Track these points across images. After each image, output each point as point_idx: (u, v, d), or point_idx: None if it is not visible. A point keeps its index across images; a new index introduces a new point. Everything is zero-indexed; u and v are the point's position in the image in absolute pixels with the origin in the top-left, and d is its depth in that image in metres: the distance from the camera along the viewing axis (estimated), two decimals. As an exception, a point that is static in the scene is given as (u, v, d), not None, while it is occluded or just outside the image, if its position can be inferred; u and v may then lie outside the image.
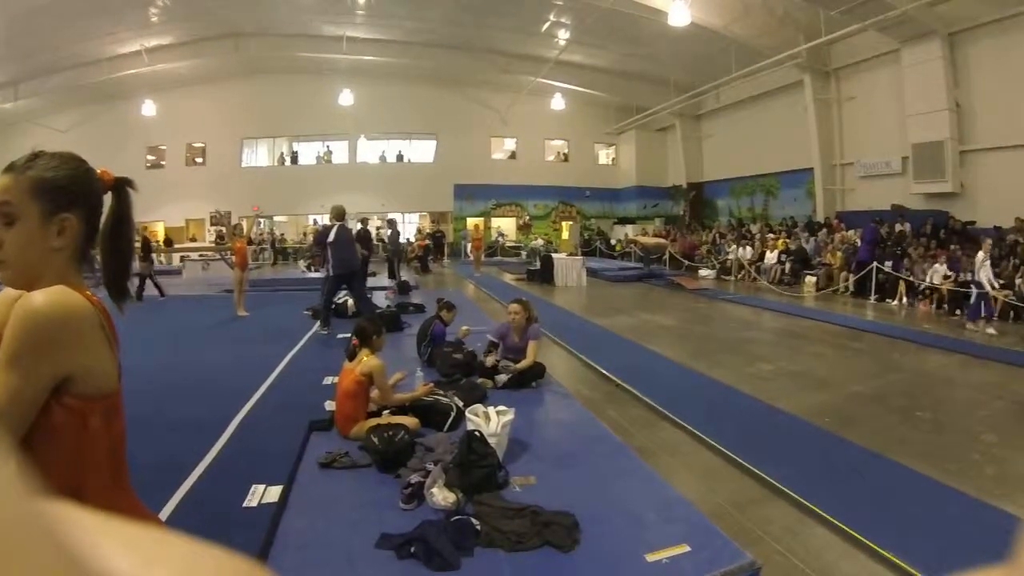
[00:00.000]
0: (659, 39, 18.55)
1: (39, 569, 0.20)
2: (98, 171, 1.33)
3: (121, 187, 1.39)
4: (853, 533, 3.17)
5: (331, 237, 8.51)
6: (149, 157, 26.07)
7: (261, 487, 3.39)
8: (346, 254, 8.59)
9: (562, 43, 21.10)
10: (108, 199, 1.37)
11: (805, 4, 14.79)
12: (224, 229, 21.62)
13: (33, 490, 0.22)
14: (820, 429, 4.92)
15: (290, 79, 24.67)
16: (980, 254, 10.13)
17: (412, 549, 2.78)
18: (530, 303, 6.01)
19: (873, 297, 13.57)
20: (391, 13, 19.57)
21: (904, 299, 13.02)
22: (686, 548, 2.83)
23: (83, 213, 1.24)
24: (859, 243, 15.13)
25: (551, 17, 19.43)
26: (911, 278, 13.00)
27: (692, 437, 4.71)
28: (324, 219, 25.90)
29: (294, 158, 26.91)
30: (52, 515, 0.22)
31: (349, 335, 4.99)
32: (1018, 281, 11.24)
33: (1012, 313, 11.12)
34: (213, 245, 22.03)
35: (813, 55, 17.66)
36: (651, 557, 2.78)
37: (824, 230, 17.64)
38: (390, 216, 20.54)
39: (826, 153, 19.00)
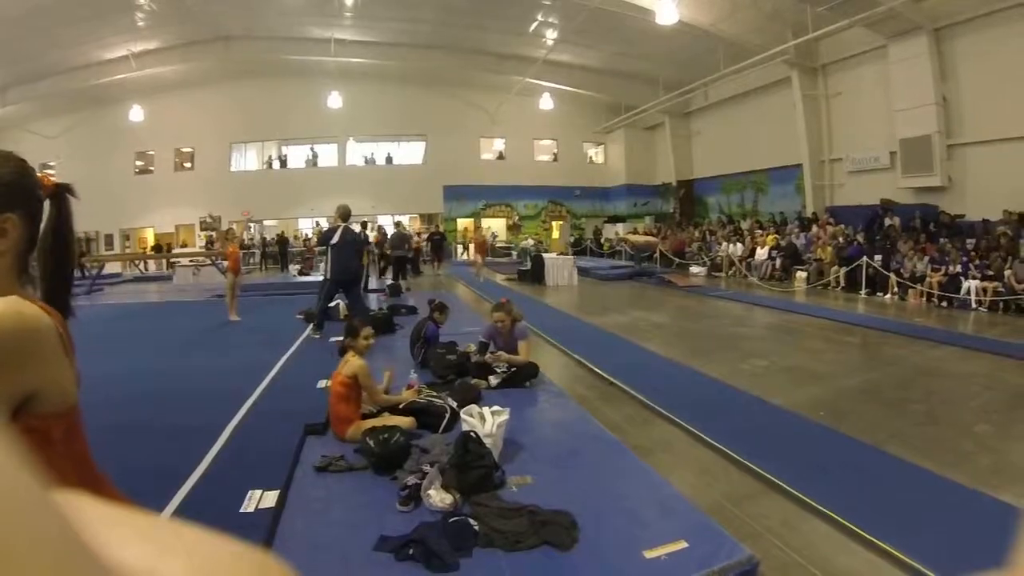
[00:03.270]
0: (647, 38, 18.63)
1: (53, 557, 0.20)
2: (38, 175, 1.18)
3: (61, 194, 1.22)
4: (850, 525, 3.19)
5: (335, 239, 8.31)
6: (138, 163, 25.97)
7: (258, 492, 3.38)
8: (348, 259, 8.44)
9: (550, 43, 21.16)
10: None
11: (793, 1, 14.86)
12: (215, 234, 21.50)
13: (43, 481, 0.22)
14: (814, 423, 4.94)
15: (278, 82, 24.60)
16: None
17: (411, 551, 2.78)
18: (511, 305, 6.03)
19: (864, 291, 13.64)
20: (379, 15, 19.54)
21: (895, 292, 13.13)
22: (684, 544, 2.84)
23: (24, 216, 1.10)
24: (852, 236, 15.27)
25: (539, 17, 19.48)
26: (902, 271, 13.11)
27: (687, 434, 4.71)
28: (309, 224, 26.05)
29: (283, 162, 26.81)
30: (65, 504, 0.22)
31: (341, 339, 5.00)
32: (1007, 273, 11.33)
33: (1001, 304, 11.24)
34: (204, 250, 21.93)
35: (801, 52, 17.74)
36: (649, 554, 2.78)
37: (814, 226, 17.74)
38: (396, 219, 20.52)
39: (815, 149, 19.12)
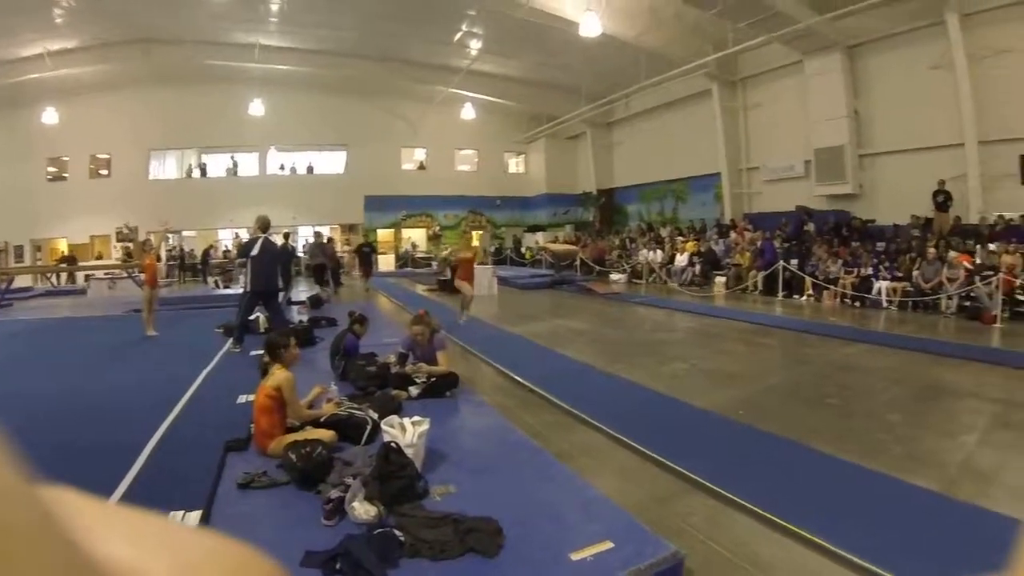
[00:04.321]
0: (570, 49, 18.79)
1: (39, 555, 0.19)
2: None
3: None
4: (773, 518, 3.29)
5: (255, 251, 8.11)
6: (51, 169, 24.49)
7: (180, 513, 3.26)
8: (268, 270, 8.25)
9: (474, 53, 21.21)
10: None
11: (714, 17, 15.41)
12: (132, 245, 20.49)
13: (29, 477, 0.21)
14: (734, 422, 5.09)
15: (200, 88, 23.73)
16: None
17: (337, 565, 2.74)
18: (428, 316, 6.04)
19: (781, 294, 14.19)
20: (305, 21, 19.13)
21: (811, 294, 13.73)
22: (610, 545, 2.87)
23: None
24: (767, 242, 15.86)
25: (463, 27, 19.47)
26: (816, 274, 13.76)
27: (609, 438, 4.76)
28: (229, 235, 25.17)
29: (203, 170, 25.83)
30: (51, 500, 0.22)
31: (262, 352, 4.85)
32: (915, 273, 12.04)
33: (910, 303, 11.93)
34: (120, 262, 20.87)
35: (721, 65, 18.37)
36: (576, 556, 2.80)
37: (733, 232, 18.29)
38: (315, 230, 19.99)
39: (733, 158, 19.83)
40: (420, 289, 17.39)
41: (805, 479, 3.87)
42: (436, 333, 5.96)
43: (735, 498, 3.55)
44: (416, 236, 28.20)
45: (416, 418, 4.05)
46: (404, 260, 26.18)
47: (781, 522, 3.25)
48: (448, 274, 16.29)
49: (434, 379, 5.66)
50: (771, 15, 14.44)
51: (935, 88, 14.14)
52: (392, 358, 6.08)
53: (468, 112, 25.35)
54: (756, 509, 3.40)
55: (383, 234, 27.46)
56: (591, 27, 14.77)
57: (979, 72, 13.31)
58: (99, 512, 0.24)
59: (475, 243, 26.85)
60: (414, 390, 5.57)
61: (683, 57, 17.87)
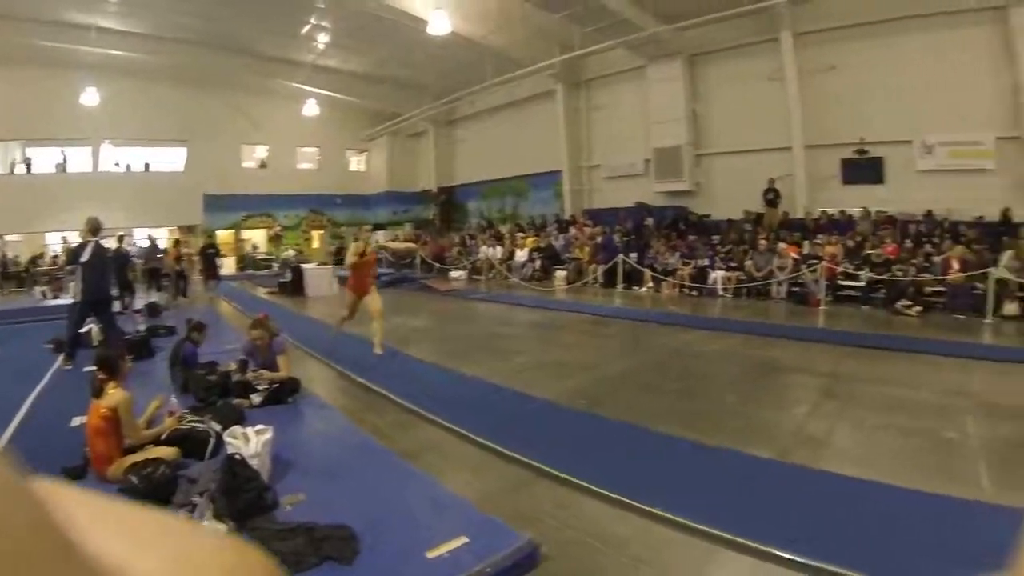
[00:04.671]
0: (417, 46, 18.54)
1: (32, 551, 0.19)
2: None
3: None
4: (621, 498, 3.47)
5: (85, 256, 7.42)
6: None
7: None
8: (100, 277, 7.63)
9: (321, 47, 20.57)
10: None
11: (561, 20, 15.90)
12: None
13: (19, 470, 0.21)
14: (577, 411, 5.31)
15: (26, 72, 20.73)
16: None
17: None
18: (267, 319, 5.91)
19: (621, 286, 14.80)
20: (148, 3, 17.52)
21: (651, 286, 14.50)
22: (465, 540, 2.94)
23: None
24: (608, 236, 16.62)
25: (312, 20, 18.79)
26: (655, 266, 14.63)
27: (455, 434, 4.78)
28: (54, 239, 22.73)
29: (28, 166, 23.09)
30: (45, 496, 0.22)
31: (95, 367, 4.48)
32: (747, 263, 13.18)
33: (745, 291, 13.03)
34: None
35: (566, 67, 18.93)
36: (432, 553, 2.86)
37: (572, 228, 18.84)
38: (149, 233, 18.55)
39: (574, 156, 20.61)
40: (262, 292, 16.65)
41: (649, 459, 4.13)
42: (276, 337, 5.83)
43: (583, 483, 3.69)
44: (257, 237, 26.81)
45: (259, 427, 3.95)
46: (245, 263, 24.90)
47: (628, 501, 3.44)
48: (289, 276, 15.77)
49: (276, 385, 5.52)
50: (618, 22, 15.20)
51: (768, 97, 15.60)
52: (233, 365, 5.86)
53: (312, 108, 24.58)
54: (604, 491, 3.57)
55: (223, 236, 25.68)
56: (440, 25, 14.77)
57: (808, 84, 14.92)
58: (95, 507, 0.24)
59: (315, 245, 26.11)
60: (256, 398, 5.41)
61: (529, 58, 18.24)
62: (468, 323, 10.96)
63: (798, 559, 2.84)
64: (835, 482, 3.77)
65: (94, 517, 0.23)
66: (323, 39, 20.06)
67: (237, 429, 3.98)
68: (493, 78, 19.29)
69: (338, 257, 18.63)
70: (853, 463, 4.10)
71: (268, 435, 3.84)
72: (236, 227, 26.17)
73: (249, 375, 5.58)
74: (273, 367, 5.64)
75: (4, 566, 0.18)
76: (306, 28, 19.24)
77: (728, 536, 3.04)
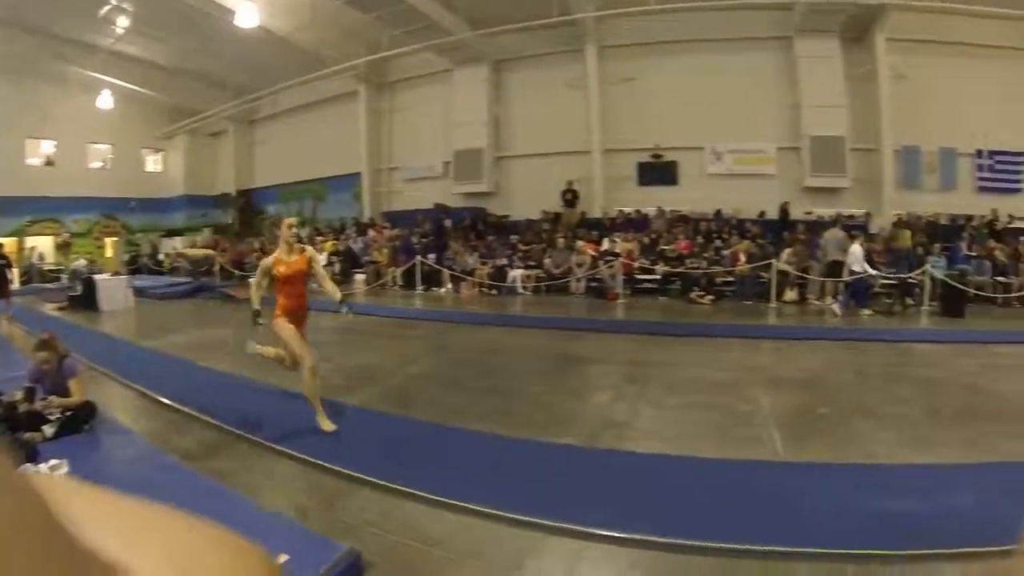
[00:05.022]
0: (223, 38, 17.34)
1: (29, 543, 0.19)
2: None
3: None
4: (437, 497, 3.57)
5: None
6: None
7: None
8: None
9: (120, 31, 18.30)
10: None
11: (370, 20, 15.72)
12: None
13: (13, 461, 0.21)
14: (385, 415, 5.35)
15: None
16: (855, 246, 11.72)
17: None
18: (54, 340, 5.26)
19: (421, 288, 14.87)
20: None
21: (450, 286, 14.81)
22: (285, 557, 2.87)
23: None
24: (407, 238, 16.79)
25: (112, 0, 16.76)
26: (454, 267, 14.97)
27: (267, 450, 4.60)
28: None
29: None
30: (43, 488, 0.21)
31: None
32: (546, 261, 13.97)
33: (544, 287, 13.75)
34: None
35: (372, 68, 18.90)
36: (252, 574, 2.73)
37: (371, 231, 18.64)
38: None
39: (374, 158, 20.63)
40: (49, 308, 14.57)
41: (462, 457, 4.28)
42: (65, 359, 5.21)
43: (399, 487, 3.74)
44: (43, 245, 23.08)
45: (53, 462, 3.67)
46: (30, 274, 21.54)
47: (445, 500, 3.54)
48: (80, 288, 13.97)
49: (69, 413, 4.97)
50: (428, 25, 15.37)
51: (569, 103, 16.74)
52: (19, 395, 5.13)
53: (106, 100, 21.90)
54: (420, 493, 3.64)
55: (6, 243, 22.16)
56: (247, 17, 14.10)
57: (608, 93, 16.24)
58: (93, 500, 0.24)
59: (108, 253, 23.07)
60: (49, 429, 4.82)
61: (336, 57, 17.96)
62: (271, 332, 10.22)
63: (617, 534, 3.14)
64: (641, 460, 4.16)
65: (92, 510, 0.23)
66: (123, 22, 17.78)
67: (28, 467, 3.55)
68: (298, 76, 18.68)
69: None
70: (659, 441, 4.51)
71: (64, 469, 3.55)
72: (19, 234, 22.34)
73: (38, 404, 4.94)
74: (65, 392, 5.04)
75: (1, 560, 0.18)
76: (105, 8, 16.93)
77: (550, 523, 3.25)
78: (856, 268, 11.58)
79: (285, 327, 5.12)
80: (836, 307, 11.38)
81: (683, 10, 14.59)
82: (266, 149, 25.12)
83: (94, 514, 0.23)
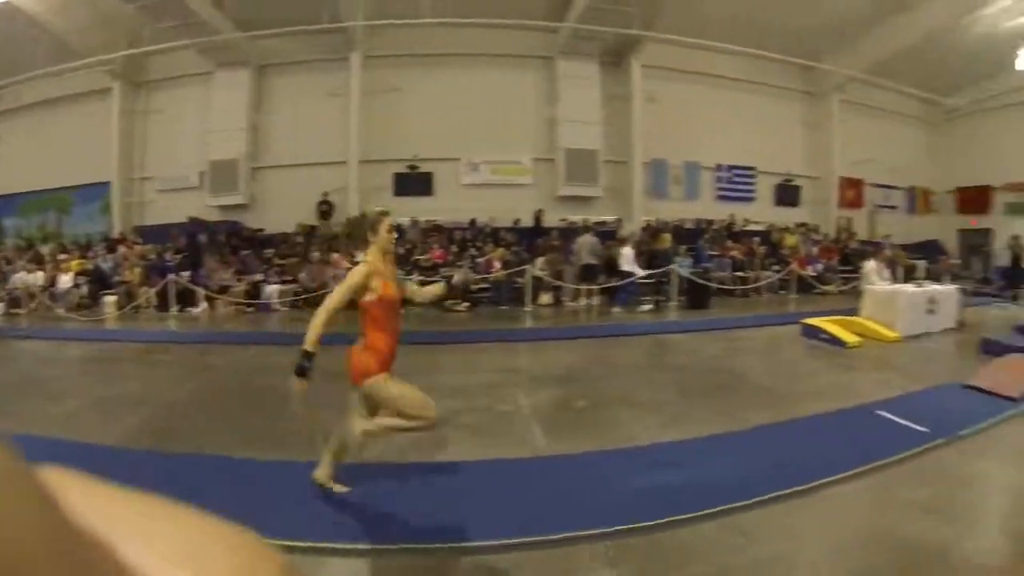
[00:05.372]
0: None
1: (35, 536, 0.19)
2: None
3: None
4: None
5: None
6: None
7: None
8: None
9: None
10: None
11: (134, 11, 14.35)
12: None
13: (20, 456, 0.20)
14: (143, 452, 4.79)
15: None
16: (626, 249, 13.20)
17: None
18: None
19: (175, 308, 13.89)
20: None
21: (205, 305, 14.01)
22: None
23: None
24: (160, 255, 15.72)
25: None
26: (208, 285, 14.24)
27: None
28: None
29: None
30: (49, 481, 0.21)
31: None
32: (302, 275, 14.12)
33: (301, 301, 13.57)
34: None
35: (130, 64, 17.60)
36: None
37: (122, 247, 16.94)
38: None
39: (126, 166, 18.74)
40: None
41: (226, 487, 3.99)
42: None
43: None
44: None
45: None
46: None
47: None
48: None
49: None
50: (193, 22, 14.42)
51: (329, 112, 16.83)
52: None
53: None
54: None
55: None
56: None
57: (370, 103, 16.35)
58: (100, 494, 0.24)
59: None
60: None
61: (90, 48, 16.51)
62: (11, 367, 8.93)
63: (390, 547, 3.26)
64: (395, 470, 4.23)
65: (101, 505, 0.23)
66: None
67: None
68: (45, 66, 16.63)
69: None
70: (416, 450, 4.55)
71: None
72: None
73: None
74: None
75: (5, 551, 0.18)
76: None
77: (324, 545, 3.27)
78: (626, 268, 13.05)
79: (394, 385, 3.57)
80: (617, 307, 12.94)
81: (454, 25, 15.14)
82: (6, 150, 20.53)
83: (102, 507, 0.23)
